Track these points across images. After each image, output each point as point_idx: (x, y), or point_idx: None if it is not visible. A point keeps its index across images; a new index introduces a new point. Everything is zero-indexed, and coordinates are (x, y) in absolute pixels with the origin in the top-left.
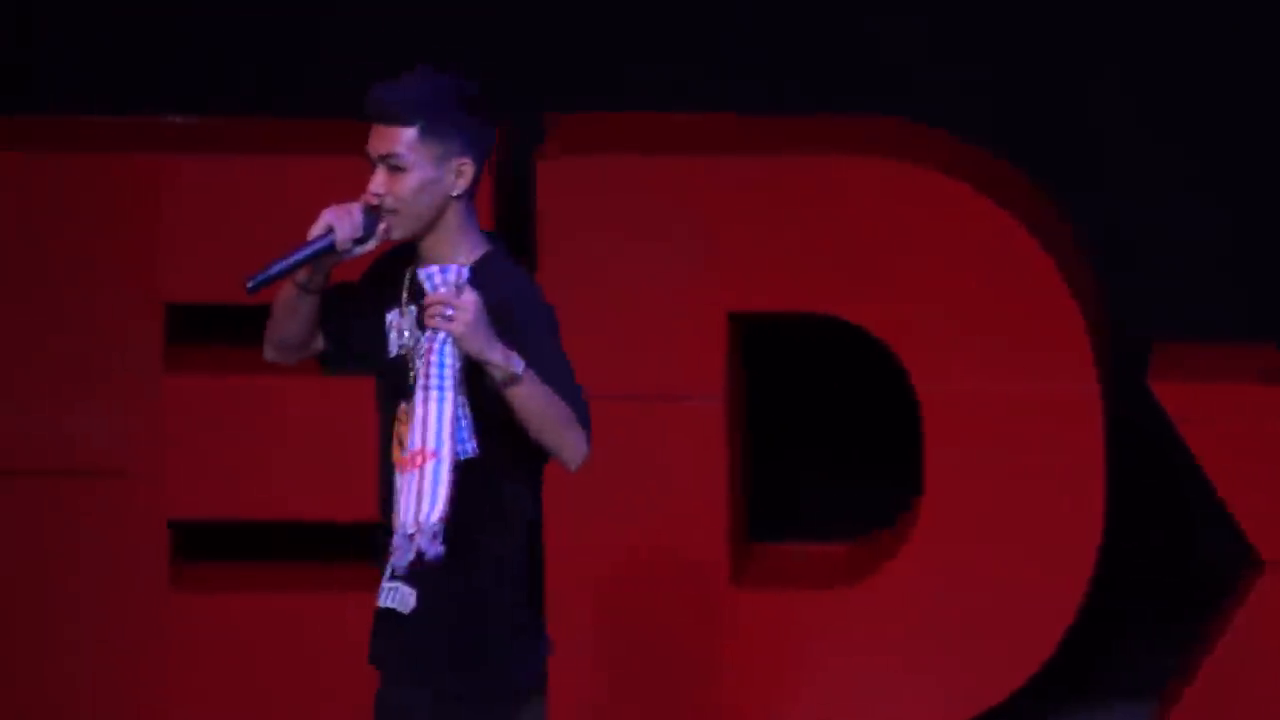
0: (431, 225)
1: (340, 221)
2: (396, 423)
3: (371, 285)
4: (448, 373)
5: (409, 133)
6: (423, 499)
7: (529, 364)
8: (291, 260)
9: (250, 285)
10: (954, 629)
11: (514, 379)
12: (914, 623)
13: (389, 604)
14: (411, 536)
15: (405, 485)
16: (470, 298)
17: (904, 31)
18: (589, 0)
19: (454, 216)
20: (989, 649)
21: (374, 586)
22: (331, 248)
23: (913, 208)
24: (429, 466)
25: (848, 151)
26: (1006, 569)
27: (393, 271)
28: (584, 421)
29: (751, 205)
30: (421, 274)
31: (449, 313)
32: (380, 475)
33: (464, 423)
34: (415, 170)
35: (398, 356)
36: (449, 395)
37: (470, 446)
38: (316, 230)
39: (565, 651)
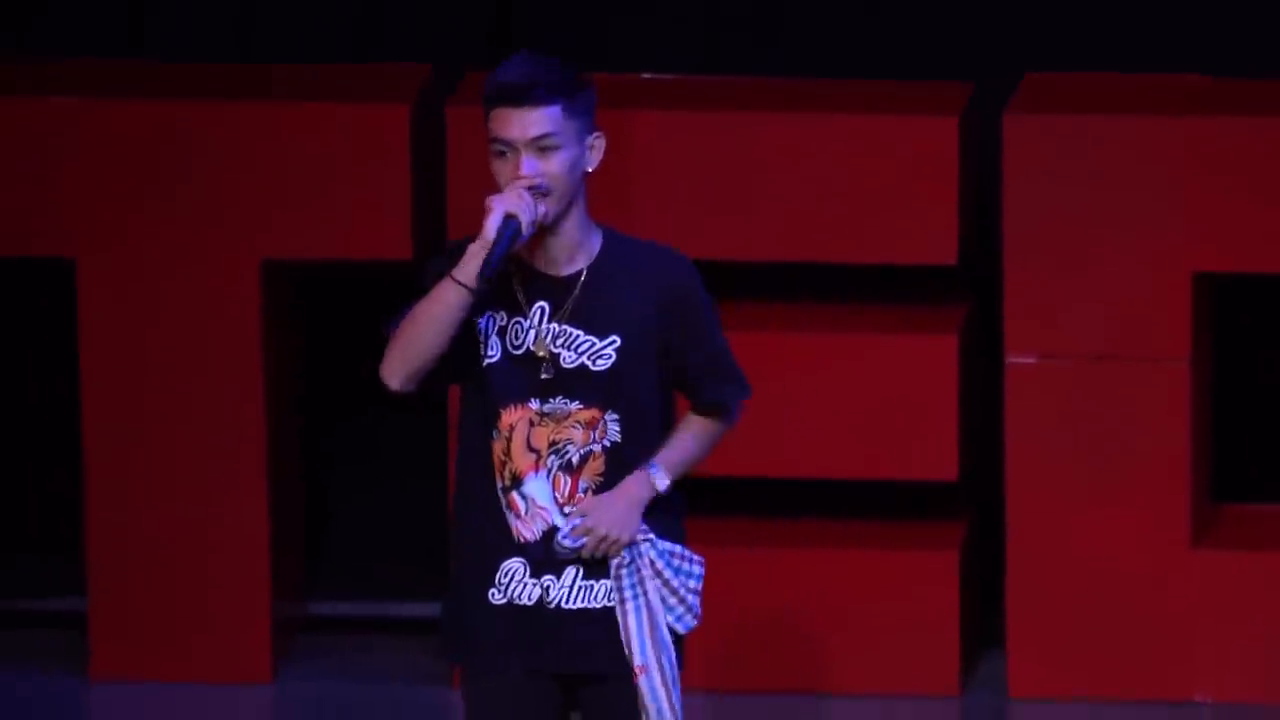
0: (572, 205)
1: (517, 207)
2: (527, 426)
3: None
4: (637, 586)
5: (555, 111)
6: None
7: (693, 348)
8: (500, 252)
9: (488, 277)
10: None
11: (669, 486)
12: None
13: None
14: None
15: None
16: (603, 526)
17: None
18: None
19: (581, 195)
20: None
21: None
22: (518, 234)
23: None
24: (642, 681)
25: None
26: None
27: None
28: (736, 397)
29: (1217, 166)
30: (562, 542)
31: (607, 547)
32: (467, 488)
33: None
34: (566, 148)
35: (513, 357)
36: (643, 606)
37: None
38: (495, 221)
39: (1025, 606)
